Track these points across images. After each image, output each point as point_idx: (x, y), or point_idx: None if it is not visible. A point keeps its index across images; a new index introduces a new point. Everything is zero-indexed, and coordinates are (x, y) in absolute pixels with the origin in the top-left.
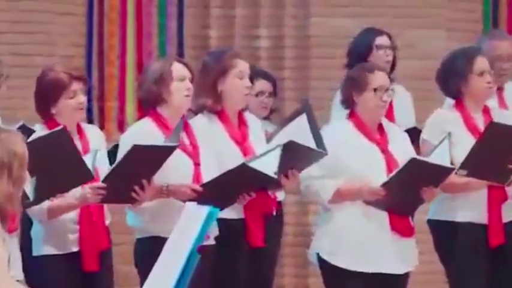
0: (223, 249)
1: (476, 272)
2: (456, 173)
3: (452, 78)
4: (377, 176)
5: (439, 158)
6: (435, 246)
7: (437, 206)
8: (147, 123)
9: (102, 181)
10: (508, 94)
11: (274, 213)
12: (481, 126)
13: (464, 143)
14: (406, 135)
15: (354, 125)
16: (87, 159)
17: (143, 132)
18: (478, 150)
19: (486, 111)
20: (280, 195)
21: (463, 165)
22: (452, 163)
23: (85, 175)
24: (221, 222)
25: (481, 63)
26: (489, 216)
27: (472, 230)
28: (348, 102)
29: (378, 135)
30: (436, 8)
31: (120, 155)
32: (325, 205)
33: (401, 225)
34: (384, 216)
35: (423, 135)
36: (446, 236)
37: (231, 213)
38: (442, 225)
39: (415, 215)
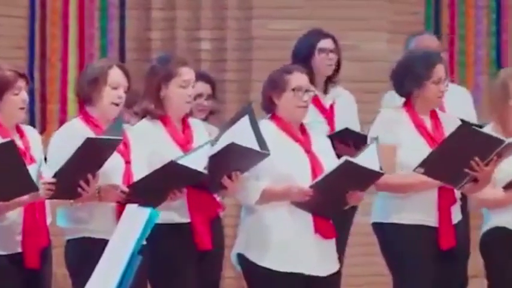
0: (171, 252)
1: (424, 274)
2: (414, 170)
3: (408, 81)
4: (302, 176)
5: (367, 161)
6: (381, 249)
7: (382, 209)
8: (77, 122)
9: (53, 176)
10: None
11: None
12: (429, 128)
13: (413, 143)
14: (327, 138)
15: (276, 126)
16: (32, 169)
17: (73, 130)
18: (440, 150)
19: (434, 114)
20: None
21: (423, 164)
22: (380, 167)
23: (29, 187)
24: (167, 225)
25: (439, 70)
26: (440, 219)
27: (419, 232)
28: (269, 105)
29: (300, 136)
30: (378, 10)
31: (50, 153)
32: (252, 206)
33: (324, 227)
34: (308, 217)
35: (372, 134)
36: (393, 238)
37: (177, 216)
38: (388, 228)
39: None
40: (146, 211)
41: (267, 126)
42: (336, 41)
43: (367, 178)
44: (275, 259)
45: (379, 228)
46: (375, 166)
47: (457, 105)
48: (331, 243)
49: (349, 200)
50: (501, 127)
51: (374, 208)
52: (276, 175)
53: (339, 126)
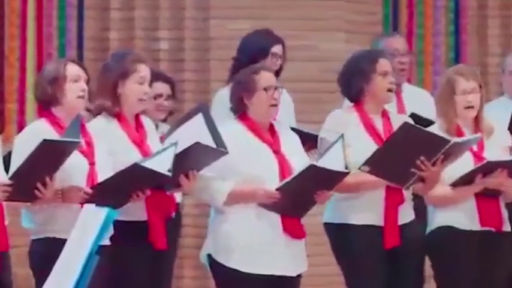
0: (125, 251)
1: (373, 274)
2: (359, 168)
3: (355, 78)
4: (270, 177)
5: (333, 160)
6: (332, 249)
7: (332, 209)
8: (41, 123)
9: (10, 178)
10: (405, 96)
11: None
12: (379, 128)
13: (361, 143)
14: (296, 136)
15: (245, 126)
16: None
17: (37, 132)
18: (385, 148)
19: (385, 114)
20: (177, 197)
21: (367, 162)
22: (346, 164)
23: None
24: (122, 224)
25: (384, 64)
26: (385, 219)
27: (368, 232)
28: (239, 106)
29: (269, 136)
30: (335, 10)
31: (14, 156)
32: (219, 207)
33: (293, 227)
34: (276, 217)
35: (321, 134)
36: (343, 239)
37: (133, 215)
38: (338, 227)
39: (311, 217)
40: (103, 211)
41: (235, 126)
42: (285, 47)
43: (333, 178)
44: (244, 261)
45: (330, 228)
46: (340, 165)
47: (418, 108)
48: (300, 242)
49: (317, 200)
50: (446, 124)
51: (326, 209)
52: (244, 176)
53: None
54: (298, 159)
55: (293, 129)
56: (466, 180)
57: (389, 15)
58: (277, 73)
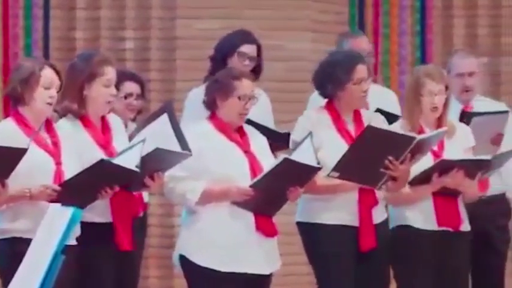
0: (90, 252)
1: (345, 274)
2: (329, 175)
3: (329, 85)
4: (240, 176)
5: (304, 156)
6: (304, 248)
7: (305, 208)
8: (9, 123)
9: None
10: (370, 95)
11: (141, 214)
12: (352, 129)
13: (334, 145)
14: (264, 139)
15: (214, 126)
16: None
17: (4, 131)
18: (351, 153)
19: (357, 114)
20: (145, 197)
21: (336, 168)
22: (318, 161)
23: None
24: (88, 225)
25: (360, 71)
26: (360, 221)
27: (341, 231)
28: (211, 105)
29: (238, 137)
30: (302, 9)
31: None
32: (192, 207)
33: (266, 226)
34: (249, 216)
35: (293, 137)
36: (316, 238)
37: (98, 216)
38: (311, 227)
39: (283, 216)
40: (69, 211)
41: (204, 126)
42: (260, 50)
43: (305, 174)
44: (218, 259)
45: (303, 227)
46: (312, 161)
47: (382, 107)
48: (273, 241)
49: (289, 196)
50: (410, 124)
51: (298, 207)
52: (215, 175)
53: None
54: (268, 160)
55: (263, 127)
56: (422, 178)
57: (356, 15)
58: (253, 73)
